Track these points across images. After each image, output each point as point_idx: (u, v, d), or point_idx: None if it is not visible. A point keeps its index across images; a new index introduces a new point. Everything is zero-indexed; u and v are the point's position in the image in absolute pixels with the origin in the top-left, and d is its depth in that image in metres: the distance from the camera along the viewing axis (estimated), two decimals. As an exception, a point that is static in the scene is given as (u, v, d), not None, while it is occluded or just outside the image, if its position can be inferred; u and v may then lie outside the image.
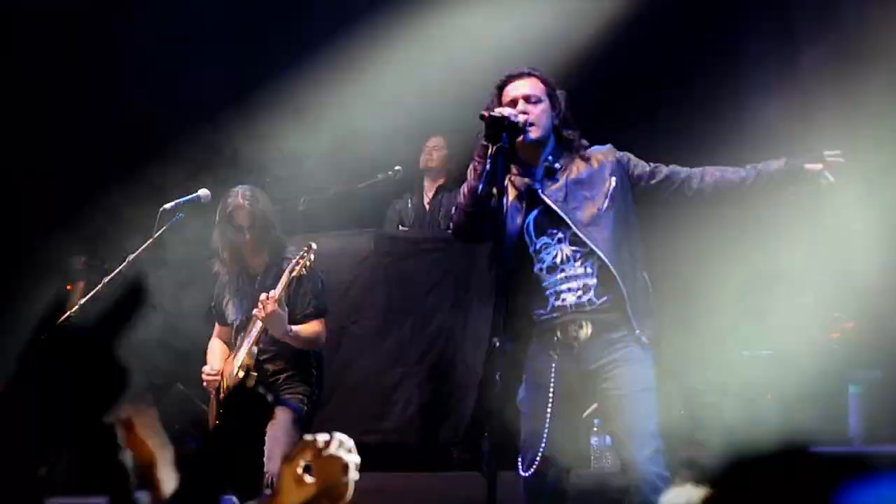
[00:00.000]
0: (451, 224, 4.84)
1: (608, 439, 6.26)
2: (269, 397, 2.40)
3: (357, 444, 2.57)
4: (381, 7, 8.41)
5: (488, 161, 4.45)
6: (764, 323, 7.49)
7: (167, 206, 5.74)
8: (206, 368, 5.77)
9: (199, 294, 6.23)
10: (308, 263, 5.57)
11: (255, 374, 5.53)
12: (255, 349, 5.57)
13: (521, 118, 4.54)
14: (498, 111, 4.51)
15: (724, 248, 7.69)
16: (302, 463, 2.51)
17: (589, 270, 4.56)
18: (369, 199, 7.96)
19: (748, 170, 4.67)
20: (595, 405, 5.08)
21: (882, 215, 7.01)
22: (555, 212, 4.59)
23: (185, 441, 6.82)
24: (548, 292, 4.59)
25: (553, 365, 4.53)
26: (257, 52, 8.88)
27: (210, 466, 2.29)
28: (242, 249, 5.68)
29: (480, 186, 4.48)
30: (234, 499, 2.87)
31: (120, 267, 5.67)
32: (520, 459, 4.58)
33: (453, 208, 4.78)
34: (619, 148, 4.78)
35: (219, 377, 5.68)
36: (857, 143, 6.48)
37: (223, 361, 5.77)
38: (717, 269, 7.72)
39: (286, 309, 5.50)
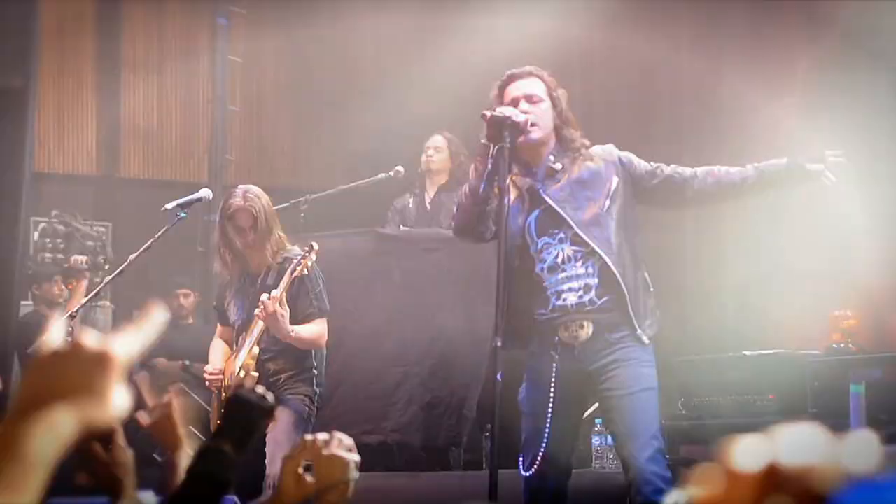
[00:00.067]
0: (452, 223, 4.84)
1: (609, 439, 6.26)
2: (270, 398, 2.41)
3: (358, 444, 2.58)
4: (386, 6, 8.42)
5: (490, 161, 4.45)
6: (764, 322, 7.49)
7: (168, 205, 5.74)
8: (208, 368, 5.77)
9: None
10: (310, 264, 5.57)
11: (256, 374, 5.53)
12: (256, 349, 5.57)
13: (523, 118, 4.54)
14: (500, 111, 4.51)
15: (723, 247, 7.70)
16: (302, 462, 2.52)
17: (590, 270, 4.56)
18: (371, 199, 7.96)
19: (749, 169, 4.67)
20: (596, 405, 5.09)
21: (882, 213, 7.02)
22: (556, 212, 4.59)
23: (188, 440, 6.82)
24: (549, 292, 4.59)
25: (554, 365, 4.53)
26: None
27: (210, 466, 2.29)
28: (244, 250, 5.68)
29: (482, 186, 4.48)
30: (235, 499, 2.87)
31: (121, 267, 5.67)
32: (521, 459, 4.59)
33: (454, 208, 4.78)
34: (620, 148, 4.78)
35: (221, 376, 5.67)
36: (858, 143, 6.49)
37: (225, 361, 5.77)
38: (717, 268, 7.73)
39: (287, 309, 5.50)
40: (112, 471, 2.56)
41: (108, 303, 8.40)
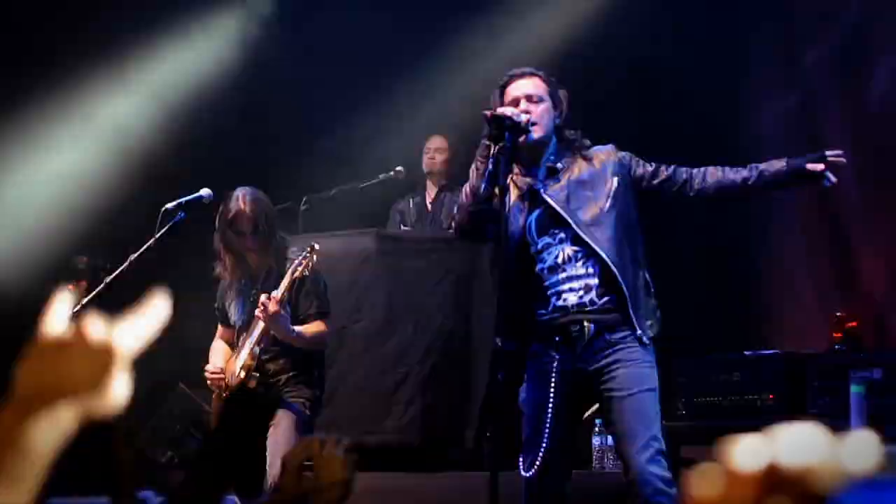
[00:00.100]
0: (452, 224, 4.84)
1: (609, 440, 6.25)
2: (268, 400, 2.41)
3: (358, 444, 2.58)
4: (387, 9, 8.42)
5: (490, 161, 4.45)
6: (764, 322, 7.50)
7: (169, 205, 5.73)
8: (209, 367, 5.77)
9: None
10: (310, 264, 5.57)
11: (257, 374, 5.53)
12: (257, 349, 5.57)
13: (524, 118, 4.54)
14: (500, 111, 4.51)
15: (724, 244, 7.70)
16: (302, 462, 2.52)
17: (591, 270, 4.56)
18: (371, 200, 7.96)
19: (749, 169, 4.66)
20: (596, 405, 5.08)
21: (882, 210, 7.02)
22: (557, 212, 4.59)
23: (187, 441, 6.82)
24: (549, 292, 4.59)
25: (554, 365, 4.53)
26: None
27: (211, 466, 2.30)
28: (244, 252, 5.68)
29: (482, 186, 4.48)
30: (236, 499, 2.87)
31: (122, 267, 5.66)
32: (521, 460, 4.58)
33: (455, 208, 4.78)
34: (621, 148, 4.78)
35: (222, 375, 5.67)
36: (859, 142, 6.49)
37: (225, 362, 5.77)
38: (717, 266, 7.73)
39: (288, 310, 5.50)
40: (112, 470, 2.56)
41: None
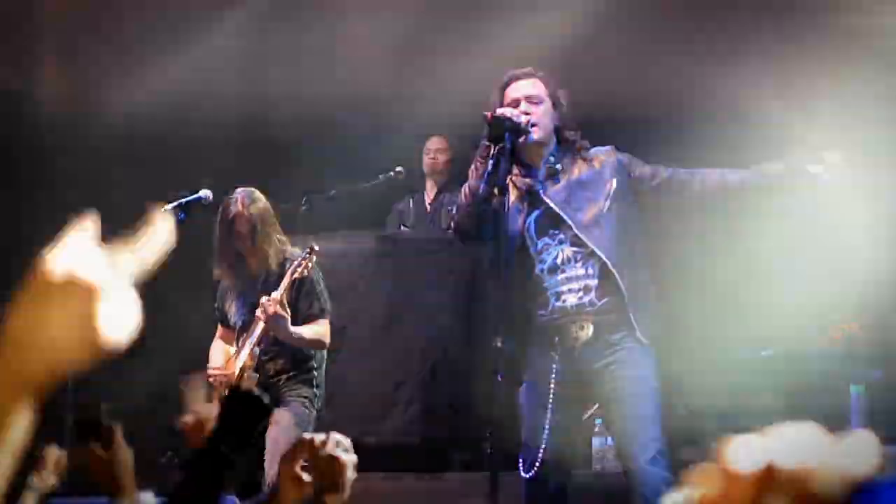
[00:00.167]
0: (451, 224, 4.84)
1: (609, 440, 6.26)
2: (266, 399, 2.41)
3: (358, 444, 2.58)
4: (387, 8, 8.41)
5: (490, 161, 4.45)
6: (763, 322, 7.49)
7: (168, 206, 5.73)
8: (210, 365, 5.78)
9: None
10: (310, 265, 5.57)
11: (257, 375, 5.54)
12: (256, 350, 5.57)
13: (524, 119, 4.54)
14: (500, 111, 4.51)
15: (724, 245, 7.70)
16: (300, 462, 2.52)
17: (590, 271, 4.56)
18: (371, 200, 7.96)
19: (749, 171, 4.67)
20: (596, 406, 5.08)
21: (881, 212, 7.01)
22: (556, 213, 4.59)
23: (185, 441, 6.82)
24: (549, 293, 4.59)
25: (554, 366, 4.53)
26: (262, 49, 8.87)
27: (210, 466, 2.30)
28: (243, 252, 5.68)
29: (482, 187, 4.48)
30: (236, 499, 2.87)
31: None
32: (521, 461, 4.58)
33: (454, 209, 4.78)
34: (621, 150, 4.78)
35: (224, 373, 5.68)
36: (858, 143, 6.48)
37: (226, 361, 5.77)
38: (717, 266, 7.72)
39: (288, 311, 5.50)
40: (112, 470, 2.56)
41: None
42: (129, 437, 2.67)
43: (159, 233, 1.23)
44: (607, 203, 4.61)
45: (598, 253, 4.53)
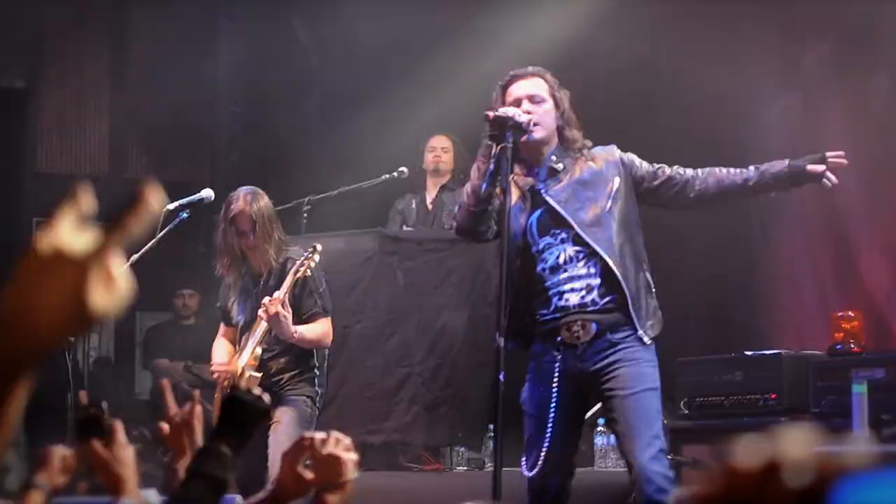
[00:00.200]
0: (453, 223, 4.84)
1: (612, 439, 6.27)
2: (266, 398, 2.41)
3: (361, 443, 2.58)
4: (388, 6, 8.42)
5: (492, 161, 4.45)
6: (766, 322, 7.49)
7: (170, 206, 5.74)
8: (214, 362, 5.79)
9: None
10: (312, 265, 5.58)
11: (259, 374, 5.54)
12: (259, 349, 5.58)
13: (526, 118, 4.54)
14: (502, 111, 4.52)
15: (726, 245, 7.70)
16: (302, 461, 2.52)
17: (592, 270, 4.56)
18: (374, 200, 7.96)
19: (750, 171, 4.67)
20: (599, 405, 5.08)
21: (884, 211, 7.02)
22: (557, 212, 4.60)
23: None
24: (551, 292, 4.59)
25: (556, 365, 4.53)
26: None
27: (211, 466, 2.30)
28: (246, 252, 5.69)
29: (484, 186, 4.49)
30: (238, 498, 2.87)
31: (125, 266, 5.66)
32: (524, 459, 4.59)
33: (456, 207, 4.79)
34: (622, 149, 4.78)
35: (228, 368, 5.68)
36: (860, 143, 6.49)
37: (229, 359, 5.78)
38: (720, 266, 7.73)
39: (290, 311, 5.51)
40: (114, 468, 2.56)
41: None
42: (130, 433, 2.67)
43: (145, 204, 1.24)
44: (609, 202, 4.61)
45: (600, 252, 4.54)
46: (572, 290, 4.57)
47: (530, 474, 4.54)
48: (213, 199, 5.98)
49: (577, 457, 4.79)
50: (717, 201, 4.81)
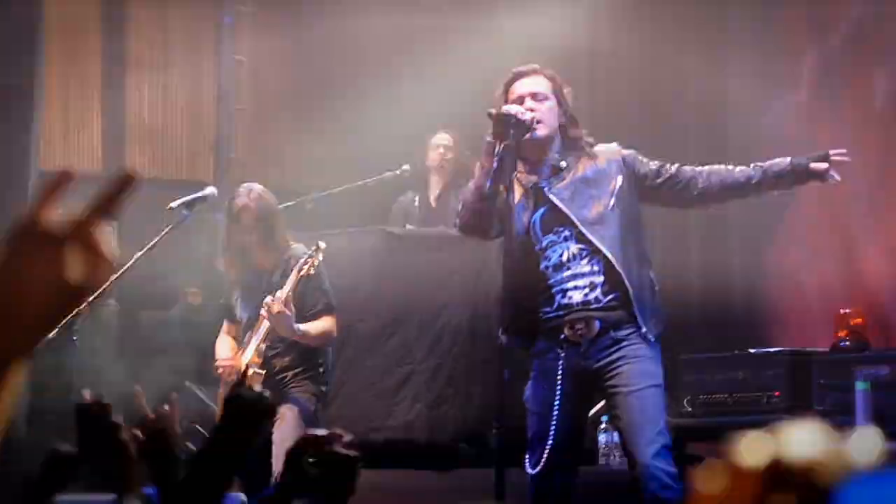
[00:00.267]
0: (457, 221, 4.84)
1: (615, 436, 6.26)
2: (268, 397, 2.41)
3: (363, 441, 2.58)
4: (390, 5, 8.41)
5: (495, 159, 4.45)
6: (770, 320, 7.49)
7: (173, 204, 5.74)
8: (218, 358, 5.79)
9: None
10: (316, 262, 5.58)
11: (263, 371, 5.54)
12: (262, 346, 5.58)
13: (529, 116, 4.54)
14: (505, 109, 4.52)
15: (728, 244, 7.70)
16: (306, 459, 2.52)
17: (595, 268, 4.56)
18: (377, 198, 7.96)
19: (753, 169, 4.67)
20: (602, 402, 5.08)
21: (888, 209, 7.01)
22: (561, 210, 4.60)
23: (192, 438, 6.83)
24: (554, 290, 4.59)
25: (560, 362, 4.54)
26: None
27: (214, 465, 2.30)
28: (249, 248, 5.69)
29: (487, 184, 4.48)
30: (242, 496, 2.88)
31: (126, 265, 5.67)
32: (527, 457, 4.59)
33: (459, 205, 4.79)
34: (625, 147, 4.78)
35: (233, 363, 5.69)
36: (863, 141, 6.48)
37: (233, 355, 5.79)
38: (722, 265, 7.72)
39: (293, 310, 5.51)
40: (117, 465, 2.56)
41: (113, 301, 8.40)
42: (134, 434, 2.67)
43: (122, 181, 1.23)
44: (612, 200, 4.61)
45: (603, 250, 4.54)
46: (575, 287, 4.57)
47: (533, 472, 4.54)
48: (216, 196, 5.98)
49: (581, 454, 4.79)
50: (719, 199, 4.81)
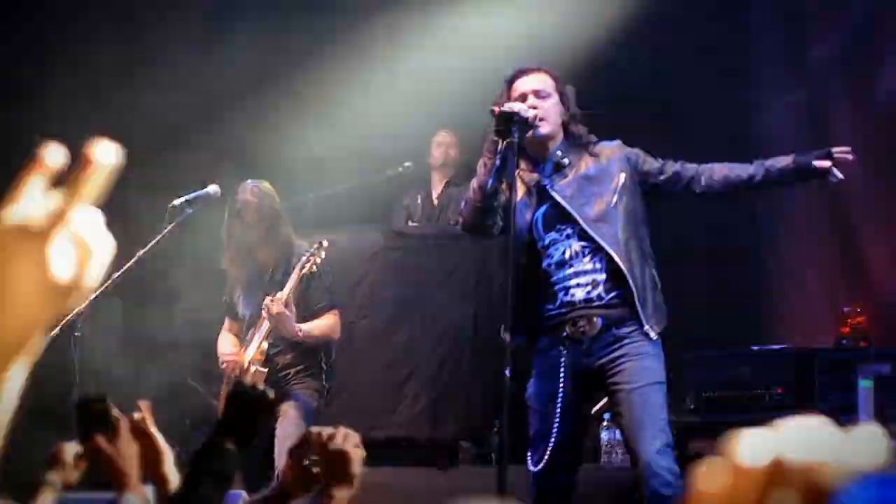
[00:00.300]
0: (459, 219, 4.84)
1: (618, 434, 6.25)
2: (269, 394, 2.41)
3: (366, 439, 2.58)
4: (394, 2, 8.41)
5: (498, 156, 4.45)
6: (772, 317, 7.49)
7: (176, 201, 5.75)
8: (222, 354, 5.79)
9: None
10: (318, 260, 5.58)
11: (265, 369, 5.55)
12: (265, 344, 5.58)
13: (531, 113, 4.54)
14: (508, 106, 4.51)
15: (731, 238, 7.70)
16: (308, 456, 2.52)
17: (598, 266, 4.56)
18: (379, 195, 7.96)
19: (756, 166, 4.66)
20: (605, 400, 5.08)
21: (891, 205, 7.01)
22: (563, 207, 4.59)
23: (194, 436, 6.84)
24: (557, 287, 4.59)
25: (562, 360, 4.53)
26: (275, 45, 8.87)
27: (216, 462, 2.30)
28: (252, 246, 5.69)
29: (490, 181, 4.49)
30: (244, 493, 2.88)
31: (128, 264, 5.67)
32: (529, 455, 4.59)
33: (462, 203, 4.79)
34: (627, 144, 4.78)
35: (237, 359, 5.69)
36: (866, 138, 6.48)
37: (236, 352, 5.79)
38: (724, 261, 7.72)
39: (294, 309, 5.51)
40: (117, 464, 2.56)
41: (117, 299, 8.41)
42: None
43: (100, 164, 1.18)
44: (615, 198, 4.61)
45: (606, 247, 4.53)
46: (578, 285, 4.57)
47: (536, 469, 4.54)
48: (219, 194, 5.99)
49: (583, 452, 4.79)
50: (722, 196, 4.81)
